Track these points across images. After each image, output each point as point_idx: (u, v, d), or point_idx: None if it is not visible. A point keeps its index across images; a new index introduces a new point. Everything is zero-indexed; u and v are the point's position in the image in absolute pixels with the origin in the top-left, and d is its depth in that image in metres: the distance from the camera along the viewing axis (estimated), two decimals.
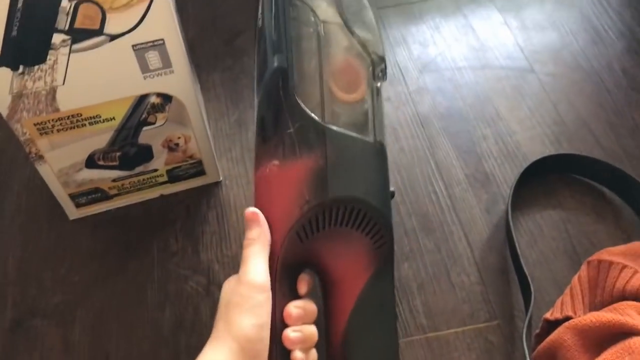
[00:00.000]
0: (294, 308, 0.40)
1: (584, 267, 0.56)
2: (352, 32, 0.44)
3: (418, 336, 0.56)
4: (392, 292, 0.45)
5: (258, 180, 0.43)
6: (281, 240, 0.40)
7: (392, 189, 0.45)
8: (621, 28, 0.80)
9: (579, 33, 0.80)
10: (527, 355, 0.51)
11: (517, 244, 0.58)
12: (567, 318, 0.52)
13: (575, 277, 0.56)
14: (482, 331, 0.56)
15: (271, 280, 0.39)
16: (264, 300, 0.38)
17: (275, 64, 0.42)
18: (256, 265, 0.39)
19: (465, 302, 0.58)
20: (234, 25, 0.83)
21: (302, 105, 0.41)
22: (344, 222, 0.41)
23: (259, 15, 0.47)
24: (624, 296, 0.52)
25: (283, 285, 0.41)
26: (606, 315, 0.49)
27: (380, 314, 0.45)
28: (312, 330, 0.41)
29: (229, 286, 0.39)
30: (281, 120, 0.41)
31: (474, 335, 0.56)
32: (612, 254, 0.55)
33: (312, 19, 0.43)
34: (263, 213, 0.41)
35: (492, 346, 0.55)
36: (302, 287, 0.42)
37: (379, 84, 0.45)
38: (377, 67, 0.45)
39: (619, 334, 0.48)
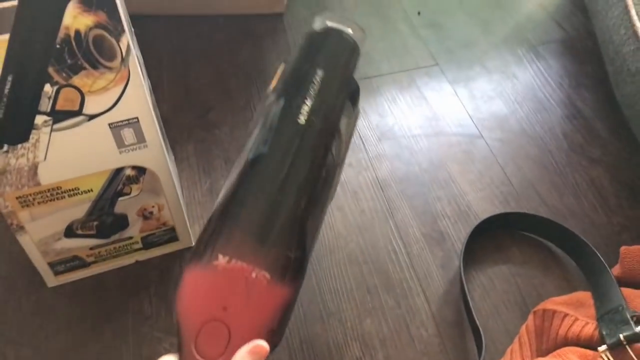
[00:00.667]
0: None
1: (530, 317, 0.60)
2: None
3: None
4: None
5: (235, 274, 0.40)
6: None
7: None
8: (561, 96, 0.88)
9: (523, 102, 0.88)
10: None
11: (469, 298, 0.62)
12: None
13: (523, 326, 0.60)
14: None
15: None
16: None
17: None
18: None
19: (424, 354, 0.61)
20: (206, 100, 0.89)
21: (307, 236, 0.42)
22: None
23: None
24: (566, 342, 0.56)
25: None
26: None
27: None
28: None
29: None
30: (290, 239, 0.41)
31: None
32: (555, 303, 0.60)
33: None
34: (224, 313, 0.40)
35: None
36: None
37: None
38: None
39: None
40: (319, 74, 0.47)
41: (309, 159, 0.43)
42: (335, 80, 0.47)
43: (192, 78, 0.93)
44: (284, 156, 0.43)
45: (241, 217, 0.42)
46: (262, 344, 0.39)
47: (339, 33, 0.51)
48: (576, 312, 0.58)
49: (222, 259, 0.41)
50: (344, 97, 0.49)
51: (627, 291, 0.59)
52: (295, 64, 0.49)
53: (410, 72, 0.93)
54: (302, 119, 0.44)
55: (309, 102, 0.45)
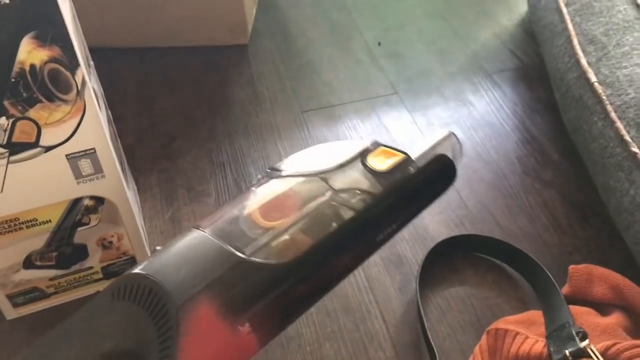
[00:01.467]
0: None
1: (484, 337, 0.62)
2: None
3: None
4: None
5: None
6: None
7: None
8: (515, 122, 0.91)
9: (479, 128, 0.91)
10: None
11: (425, 320, 0.64)
12: None
13: (477, 346, 0.62)
14: None
15: None
16: None
17: None
18: None
19: None
20: (170, 130, 0.90)
21: None
22: None
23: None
24: None
25: None
26: None
27: None
28: None
29: None
30: None
31: None
32: (507, 322, 0.62)
33: None
34: None
35: None
36: None
37: None
38: None
39: None
40: None
41: None
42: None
43: (157, 109, 0.94)
44: None
45: None
46: None
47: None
48: (527, 331, 0.60)
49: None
50: None
51: (574, 309, 0.61)
52: None
53: (371, 100, 0.96)
54: None
55: None
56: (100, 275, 0.69)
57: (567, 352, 0.54)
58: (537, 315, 0.63)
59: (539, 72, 1.00)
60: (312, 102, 0.95)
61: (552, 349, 0.55)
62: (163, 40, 1.05)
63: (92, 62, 0.64)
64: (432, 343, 0.61)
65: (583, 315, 0.59)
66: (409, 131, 0.90)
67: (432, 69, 1.02)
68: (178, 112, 0.94)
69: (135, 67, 1.02)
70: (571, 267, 0.64)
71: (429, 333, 0.62)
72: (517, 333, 0.59)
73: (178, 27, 1.03)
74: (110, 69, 0.99)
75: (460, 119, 0.92)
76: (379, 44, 1.07)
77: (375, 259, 0.73)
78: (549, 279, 0.65)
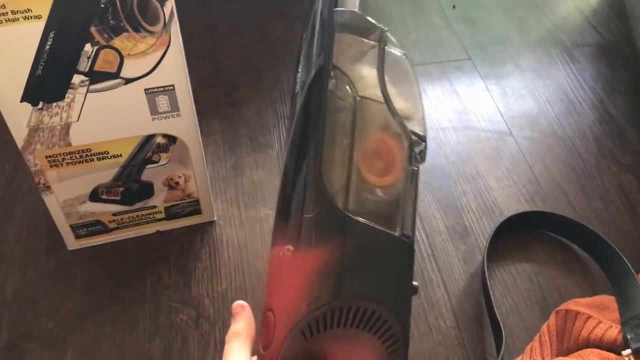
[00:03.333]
0: None
1: (552, 317, 0.60)
2: (392, 113, 0.40)
3: None
4: None
5: (272, 259, 0.40)
6: (283, 337, 0.37)
7: (415, 283, 0.41)
8: (593, 100, 0.87)
9: (555, 102, 0.87)
10: None
11: (491, 293, 0.62)
12: None
13: (544, 325, 0.60)
14: None
15: None
16: None
17: (302, 132, 0.40)
18: None
19: (441, 344, 0.61)
20: (235, 78, 0.89)
21: (326, 190, 0.37)
22: (355, 323, 0.37)
23: (297, 79, 0.44)
24: (588, 344, 0.55)
25: None
26: None
27: None
28: None
29: None
30: (303, 202, 0.38)
31: None
32: (578, 304, 0.59)
33: (350, 92, 0.40)
34: (270, 299, 0.39)
35: None
36: None
37: (415, 167, 0.40)
38: (416, 149, 0.40)
39: None
40: None
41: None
42: None
43: (222, 55, 0.92)
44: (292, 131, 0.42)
45: (277, 204, 0.42)
46: (240, 303, 0.40)
47: None
48: (599, 315, 0.57)
49: (269, 251, 0.41)
50: None
51: None
52: None
53: (442, 64, 0.92)
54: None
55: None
56: (162, 215, 0.69)
57: None
58: (609, 300, 0.60)
59: (623, 52, 0.95)
60: None
61: (628, 337, 0.53)
62: None
63: None
64: (498, 317, 0.60)
65: None
66: (481, 99, 0.87)
67: (508, 36, 0.98)
68: (243, 59, 0.92)
69: (202, 10, 1.00)
70: None
71: (495, 307, 0.61)
72: (590, 316, 0.57)
73: None
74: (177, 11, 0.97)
75: (536, 90, 0.88)
76: (454, 6, 1.03)
77: (440, 227, 0.71)
78: (624, 263, 0.62)
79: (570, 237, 0.69)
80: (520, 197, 0.74)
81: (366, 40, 0.42)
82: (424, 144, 0.41)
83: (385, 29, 0.42)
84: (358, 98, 0.40)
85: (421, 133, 0.41)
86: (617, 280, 0.63)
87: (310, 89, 0.40)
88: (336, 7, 0.42)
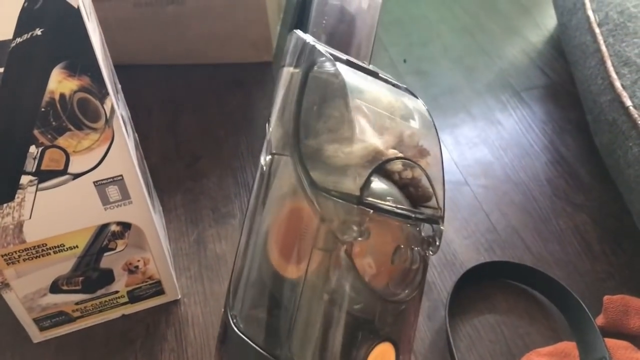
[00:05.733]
0: None
1: None
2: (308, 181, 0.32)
3: None
4: None
5: None
6: None
7: None
8: (545, 142, 0.89)
9: (508, 147, 0.89)
10: None
11: (454, 350, 0.62)
12: None
13: None
14: None
15: None
16: None
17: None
18: None
19: None
20: (195, 150, 0.90)
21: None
22: None
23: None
24: None
25: None
26: None
27: None
28: None
29: None
30: None
31: None
32: (540, 354, 0.60)
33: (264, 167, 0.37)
34: None
35: None
36: None
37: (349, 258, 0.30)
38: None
39: None
40: None
41: None
42: None
43: (182, 128, 0.94)
44: None
45: None
46: None
47: None
48: None
49: None
50: None
51: (610, 342, 0.59)
52: None
53: None
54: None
55: None
56: (125, 299, 0.69)
57: None
58: (570, 347, 0.61)
59: (569, 91, 0.98)
60: None
61: None
62: (187, 57, 1.05)
63: (119, 86, 0.64)
64: None
65: (620, 350, 0.57)
66: None
67: (458, 86, 1.01)
68: (202, 130, 0.94)
69: (161, 84, 1.02)
70: (606, 297, 0.63)
71: None
72: None
73: (202, 44, 1.03)
74: (134, 86, 0.99)
75: (489, 138, 0.90)
76: (405, 61, 1.06)
77: None
78: (582, 309, 0.63)
79: (531, 284, 0.70)
80: (480, 247, 0.75)
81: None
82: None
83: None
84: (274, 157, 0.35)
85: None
86: (577, 327, 0.64)
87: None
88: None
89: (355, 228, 0.29)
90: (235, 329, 0.33)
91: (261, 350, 0.31)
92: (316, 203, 0.29)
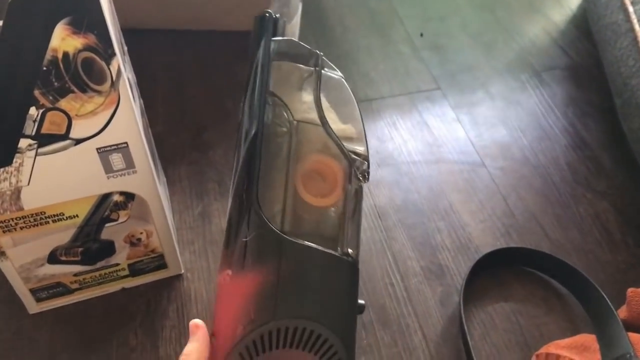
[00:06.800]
0: None
1: None
2: (329, 134, 0.41)
3: None
4: None
5: (217, 286, 0.40)
6: (223, 358, 0.37)
7: (361, 302, 0.41)
8: (565, 124, 0.86)
9: (527, 129, 0.85)
10: None
11: (469, 338, 0.60)
12: None
13: None
14: None
15: None
16: None
17: (242, 167, 0.40)
18: None
19: None
20: (201, 120, 0.87)
21: (261, 212, 0.37)
22: (295, 344, 0.37)
23: (240, 109, 0.45)
24: None
25: None
26: None
27: None
28: None
29: None
30: (241, 226, 0.38)
31: None
32: (558, 347, 0.57)
33: (286, 117, 0.41)
34: (216, 324, 0.39)
35: None
36: None
37: (358, 186, 0.41)
38: (358, 168, 0.41)
39: None
40: None
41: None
42: None
43: (188, 96, 0.90)
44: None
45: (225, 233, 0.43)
46: (195, 322, 0.39)
47: None
48: (581, 357, 0.55)
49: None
50: None
51: (634, 337, 0.56)
52: None
53: (412, 95, 0.91)
54: None
55: None
56: (126, 273, 0.66)
57: None
58: (590, 339, 0.58)
59: (592, 73, 0.94)
60: None
61: None
62: (196, 23, 1.00)
63: (126, 48, 0.60)
64: None
65: None
66: (452, 129, 0.85)
67: (477, 63, 0.97)
68: (210, 100, 0.90)
69: (167, 50, 0.98)
70: (630, 290, 0.60)
71: (472, 353, 0.58)
72: (571, 359, 0.55)
73: (212, 10, 0.98)
74: (140, 51, 0.95)
75: (507, 118, 0.87)
76: (421, 35, 1.02)
77: (415, 267, 0.69)
78: (604, 300, 0.61)
79: (549, 272, 0.67)
80: (496, 232, 0.72)
81: (304, 67, 0.44)
82: (366, 163, 0.42)
83: (321, 53, 0.44)
84: (295, 122, 0.41)
85: (363, 152, 0.42)
86: (597, 319, 0.61)
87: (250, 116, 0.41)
88: (275, 37, 0.44)
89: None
90: (296, 240, 0.37)
91: (329, 251, 0.38)
92: (343, 157, 0.41)
